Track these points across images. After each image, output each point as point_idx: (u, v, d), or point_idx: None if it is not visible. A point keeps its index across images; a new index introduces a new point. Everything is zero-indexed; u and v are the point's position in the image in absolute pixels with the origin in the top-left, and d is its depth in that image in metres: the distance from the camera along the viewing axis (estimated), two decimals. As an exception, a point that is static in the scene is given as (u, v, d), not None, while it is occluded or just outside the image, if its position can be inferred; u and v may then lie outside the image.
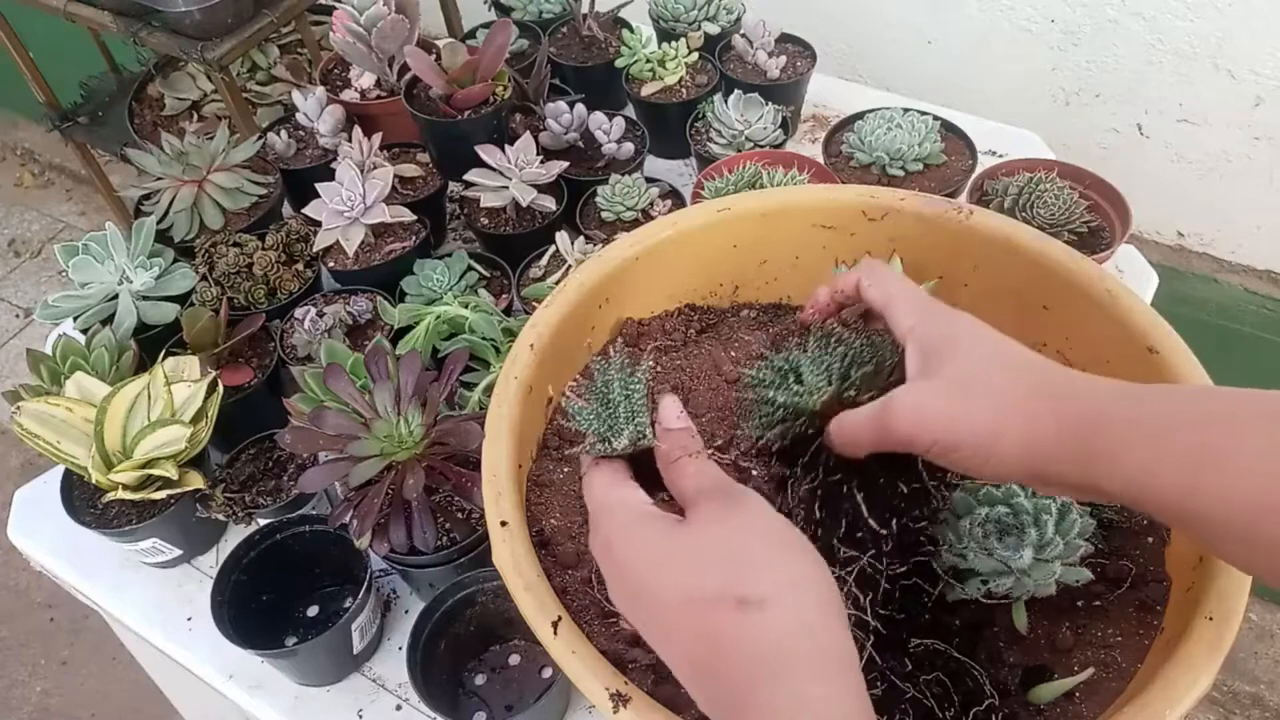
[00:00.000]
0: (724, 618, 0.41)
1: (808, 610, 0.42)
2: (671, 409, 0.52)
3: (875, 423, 0.49)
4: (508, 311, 0.97)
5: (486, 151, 1.05)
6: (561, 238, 1.01)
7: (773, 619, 0.41)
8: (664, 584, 0.44)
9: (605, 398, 0.54)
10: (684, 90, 1.20)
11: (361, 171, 1.03)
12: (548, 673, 0.80)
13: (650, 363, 0.58)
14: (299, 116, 1.17)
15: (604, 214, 1.05)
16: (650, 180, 1.08)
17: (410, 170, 1.13)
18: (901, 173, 1.05)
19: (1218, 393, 0.45)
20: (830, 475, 0.56)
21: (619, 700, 0.48)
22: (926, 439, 0.47)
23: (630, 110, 1.22)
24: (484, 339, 0.90)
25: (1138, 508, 0.44)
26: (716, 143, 1.12)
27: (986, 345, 0.50)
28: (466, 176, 1.06)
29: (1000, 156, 1.15)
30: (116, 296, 0.98)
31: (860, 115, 1.10)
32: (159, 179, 1.09)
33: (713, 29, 1.25)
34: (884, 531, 0.55)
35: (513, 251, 1.03)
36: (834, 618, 0.42)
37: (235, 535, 0.92)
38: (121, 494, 0.82)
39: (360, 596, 0.78)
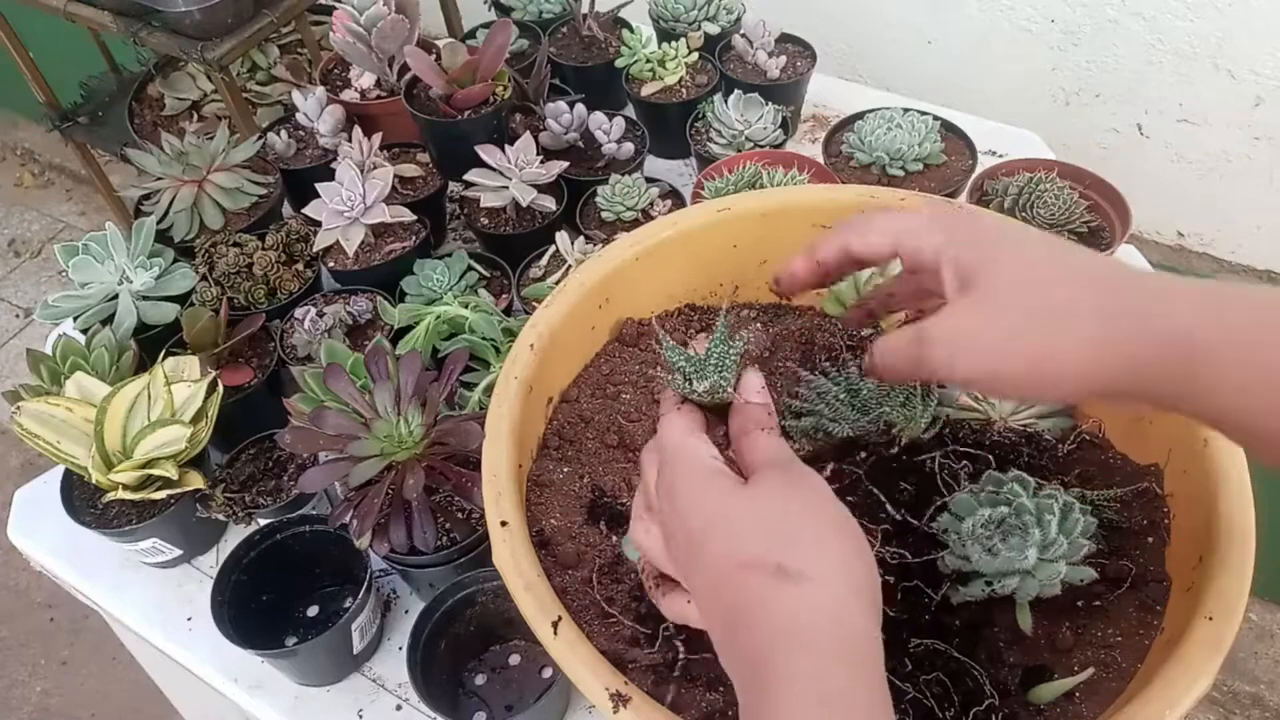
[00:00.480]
0: (761, 581, 0.41)
1: (844, 595, 0.41)
2: (754, 383, 0.50)
3: (910, 352, 0.45)
4: (508, 311, 0.97)
5: (486, 151, 1.05)
6: (561, 238, 1.01)
7: (807, 593, 0.40)
8: (714, 540, 0.43)
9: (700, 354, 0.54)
10: (684, 90, 1.20)
11: (361, 171, 1.03)
12: (548, 673, 0.80)
13: (749, 334, 0.59)
14: (299, 116, 1.17)
15: (604, 214, 1.05)
16: (650, 180, 1.08)
17: (410, 170, 1.13)
18: (901, 173, 1.05)
19: None
20: (855, 477, 0.58)
21: (619, 700, 0.48)
22: (965, 369, 0.43)
23: (630, 110, 1.22)
24: (484, 339, 0.90)
25: (1224, 432, 0.41)
26: (716, 143, 1.12)
27: (1036, 249, 0.44)
28: (466, 176, 1.06)
29: (1000, 156, 1.15)
30: (116, 296, 0.98)
31: (860, 115, 1.10)
32: (159, 179, 1.09)
33: (713, 29, 1.25)
34: (911, 523, 0.57)
35: (513, 251, 1.03)
36: (869, 609, 0.41)
37: (235, 535, 0.92)
38: (121, 494, 0.82)
39: (360, 596, 0.78)
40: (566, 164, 1.07)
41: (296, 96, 1.16)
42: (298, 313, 0.96)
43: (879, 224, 0.49)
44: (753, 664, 0.40)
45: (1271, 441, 0.40)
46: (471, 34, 1.33)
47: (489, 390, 0.83)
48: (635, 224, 1.04)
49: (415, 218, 1.06)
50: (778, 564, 0.40)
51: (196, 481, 0.85)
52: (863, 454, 0.64)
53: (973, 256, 0.44)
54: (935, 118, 1.09)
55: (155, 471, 0.82)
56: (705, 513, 0.44)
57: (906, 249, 0.48)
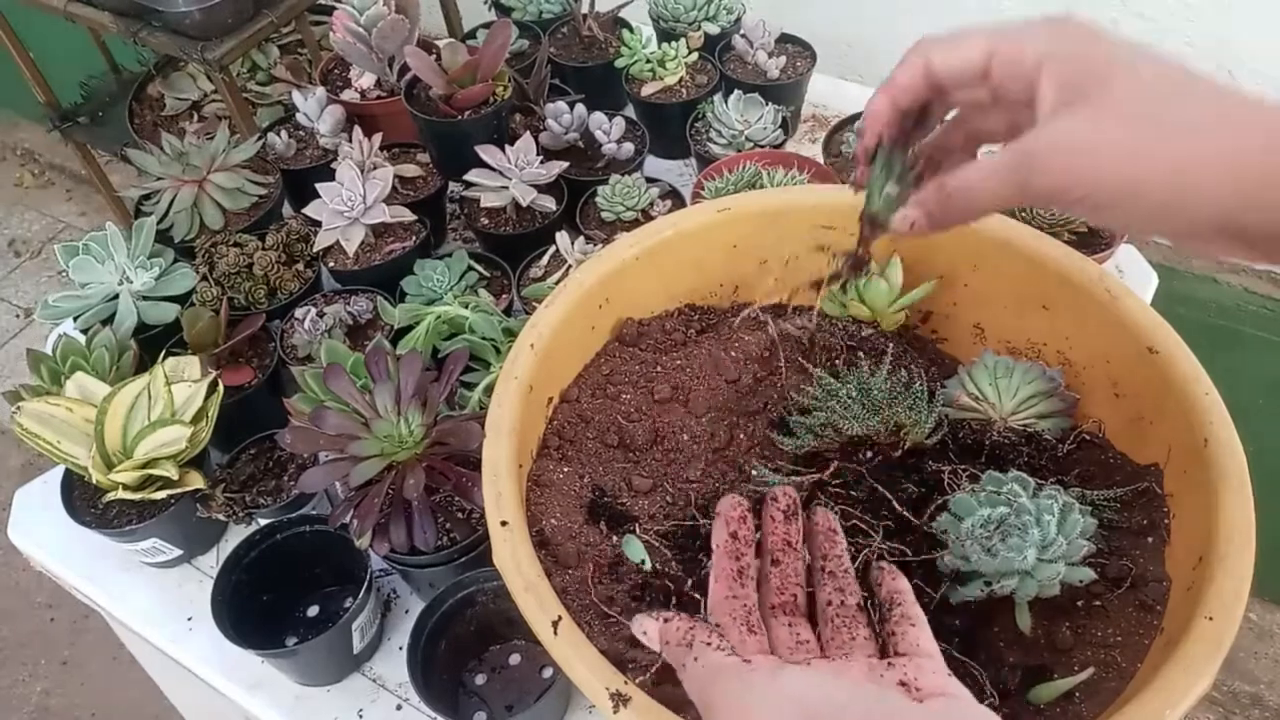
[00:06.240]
0: None
1: None
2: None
3: (1011, 175, 0.41)
4: (508, 311, 0.97)
5: (486, 151, 1.05)
6: (561, 238, 1.01)
7: None
8: None
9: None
10: (684, 90, 1.20)
11: (361, 171, 1.03)
12: (548, 673, 0.80)
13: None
14: (299, 116, 1.17)
15: (604, 214, 1.05)
16: (650, 180, 1.08)
17: (410, 170, 1.13)
18: (901, 173, 1.05)
19: None
20: (858, 475, 0.59)
21: (619, 700, 0.48)
22: (1088, 183, 0.38)
23: (630, 110, 1.22)
24: (484, 339, 0.90)
25: None
26: (716, 143, 1.12)
27: (1157, 66, 0.39)
28: (466, 176, 1.06)
29: (1000, 156, 1.15)
30: (117, 296, 0.98)
31: (860, 115, 1.10)
32: (159, 179, 1.09)
33: (713, 29, 1.25)
34: (912, 521, 0.57)
35: (513, 251, 1.03)
36: None
37: (235, 535, 0.92)
38: (122, 494, 0.82)
39: (360, 596, 0.78)
40: (566, 164, 1.07)
41: (296, 96, 1.16)
42: (298, 313, 0.96)
43: (972, 30, 0.43)
44: None
45: None
46: (471, 34, 1.33)
47: (489, 390, 0.83)
48: (635, 224, 1.04)
49: (415, 218, 1.06)
50: None
51: (197, 481, 0.85)
52: (869, 453, 0.64)
53: (1083, 67, 0.40)
54: (935, 118, 1.09)
55: (155, 471, 0.82)
56: None
57: (1002, 55, 0.42)
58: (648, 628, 0.45)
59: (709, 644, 0.42)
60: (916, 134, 0.50)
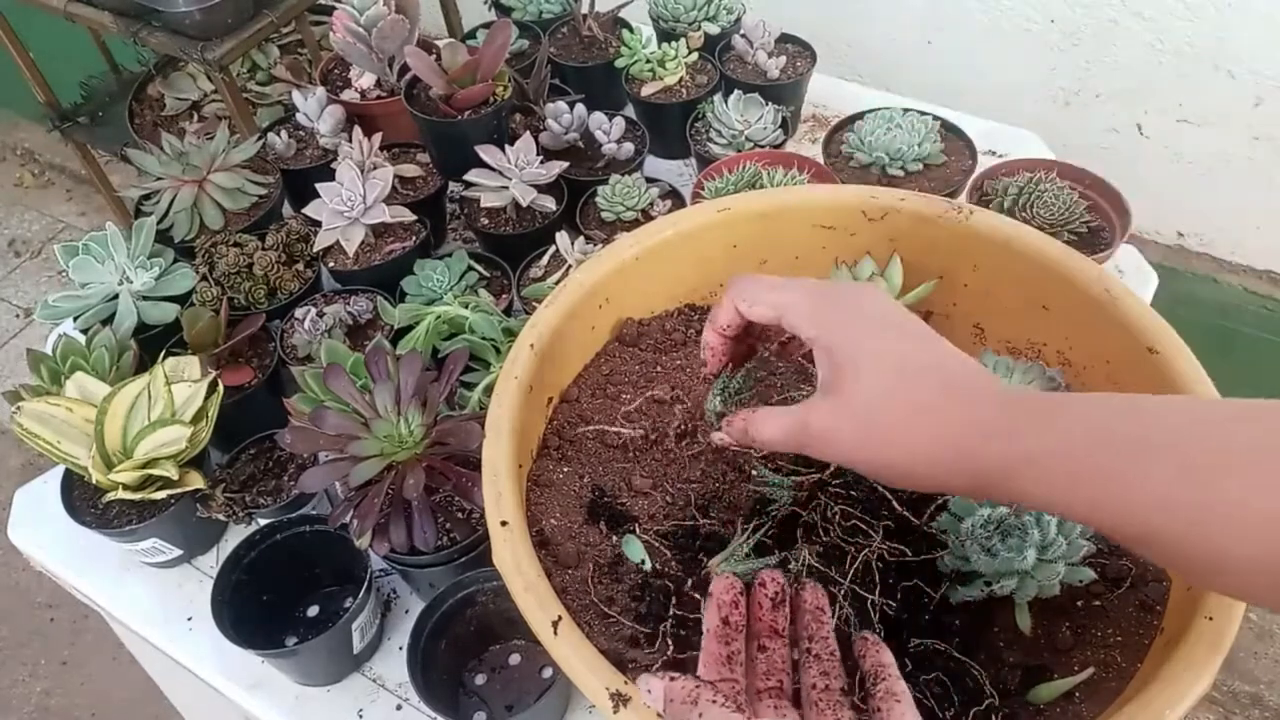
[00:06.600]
0: None
1: None
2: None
3: (793, 437, 0.50)
4: (508, 311, 0.97)
5: (486, 151, 1.05)
6: (561, 238, 1.01)
7: None
8: None
9: None
10: (684, 90, 1.20)
11: (361, 171, 1.03)
12: (548, 673, 0.80)
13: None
14: (299, 116, 1.17)
15: (604, 214, 1.05)
16: (650, 180, 1.08)
17: (410, 170, 1.13)
18: (901, 173, 1.05)
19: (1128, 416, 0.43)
20: (858, 475, 0.59)
21: (619, 700, 0.48)
22: (841, 459, 0.48)
23: (630, 110, 1.22)
24: (484, 339, 0.90)
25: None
26: (716, 143, 1.12)
27: (888, 362, 0.48)
28: (466, 176, 1.06)
29: (1000, 156, 1.15)
30: (117, 296, 0.98)
31: (860, 115, 1.10)
32: (159, 179, 1.09)
33: (713, 29, 1.25)
34: (912, 521, 0.57)
35: (513, 251, 1.03)
36: None
37: (235, 535, 0.92)
38: (121, 494, 0.82)
39: (360, 596, 0.78)
40: (566, 164, 1.07)
41: (296, 96, 1.16)
42: (298, 313, 0.96)
43: (767, 297, 0.53)
44: None
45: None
46: (471, 34, 1.33)
47: (489, 390, 0.83)
48: (635, 224, 1.04)
49: (415, 218, 1.06)
50: None
51: (196, 481, 0.85)
52: None
53: (833, 361, 0.49)
54: (935, 118, 1.09)
55: (155, 471, 0.82)
56: None
57: (789, 326, 0.52)
58: (653, 686, 0.47)
59: (714, 701, 0.45)
60: (749, 353, 0.61)
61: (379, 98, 1.21)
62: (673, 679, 0.46)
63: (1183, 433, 0.40)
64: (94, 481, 0.82)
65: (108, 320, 0.97)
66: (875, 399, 0.47)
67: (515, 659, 0.82)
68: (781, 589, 0.53)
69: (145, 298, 0.98)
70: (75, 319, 0.98)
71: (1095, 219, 0.97)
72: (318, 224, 1.03)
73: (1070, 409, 0.43)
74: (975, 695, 0.55)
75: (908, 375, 0.47)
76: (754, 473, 0.67)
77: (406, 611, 0.86)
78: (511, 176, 1.04)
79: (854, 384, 0.48)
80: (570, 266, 0.99)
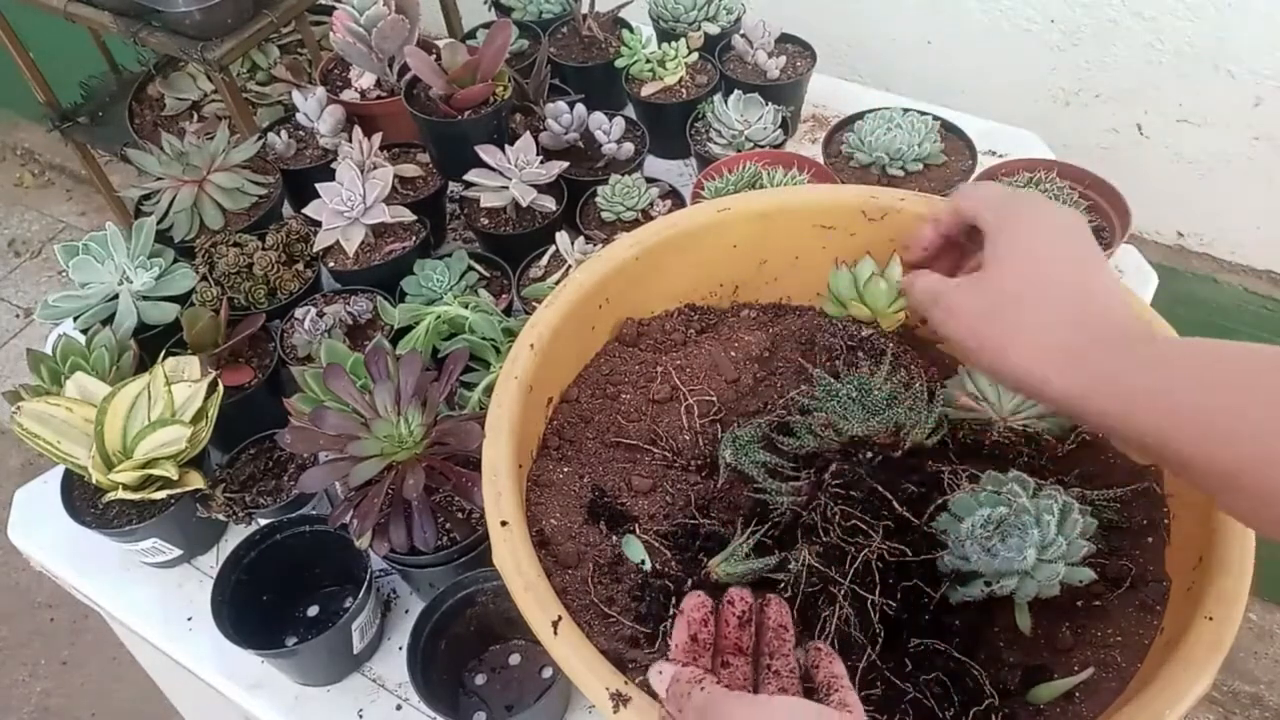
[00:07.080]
0: None
1: None
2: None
3: (930, 297, 0.55)
4: (508, 311, 0.97)
5: (486, 151, 1.05)
6: (561, 238, 1.01)
7: None
8: None
9: None
10: (684, 90, 1.20)
11: (361, 171, 1.03)
12: (548, 673, 0.80)
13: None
14: (299, 116, 1.17)
15: (604, 214, 1.05)
16: (650, 180, 1.08)
17: (410, 170, 1.13)
18: (901, 173, 1.05)
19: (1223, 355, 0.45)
20: (858, 475, 0.61)
21: (619, 700, 0.48)
22: (946, 332, 0.53)
23: (630, 110, 1.22)
24: (484, 339, 0.90)
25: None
26: (716, 143, 1.12)
27: (1039, 271, 0.51)
28: (466, 176, 1.06)
29: (1000, 156, 1.15)
30: (117, 296, 0.98)
31: (860, 115, 1.10)
32: (159, 179, 1.09)
33: (713, 29, 1.24)
34: (912, 521, 0.58)
35: (513, 251, 1.03)
36: None
37: (235, 535, 0.92)
38: (121, 494, 0.82)
39: (360, 596, 0.78)
40: (566, 164, 1.07)
41: (296, 96, 1.16)
42: (298, 313, 0.96)
43: (976, 193, 0.60)
44: None
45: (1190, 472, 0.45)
46: (471, 34, 1.33)
47: (489, 390, 0.83)
48: (635, 224, 1.04)
49: (415, 218, 1.06)
50: None
51: (196, 481, 0.85)
52: (869, 453, 0.64)
53: (1001, 249, 0.53)
54: (935, 118, 1.09)
55: (155, 471, 0.82)
56: None
57: (979, 220, 0.57)
58: (664, 668, 0.49)
59: (717, 681, 0.48)
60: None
61: (379, 98, 1.21)
62: (684, 664, 0.49)
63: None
64: (94, 481, 0.82)
65: (108, 320, 0.97)
66: (1008, 297, 0.51)
67: (515, 659, 0.82)
68: (749, 609, 0.54)
69: (145, 298, 0.98)
70: (75, 319, 0.98)
71: (1095, 219, 0.97)
72: (318, 224, 1.03)
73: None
74: (975, 695, 0.55)
75: (1046, 288, 0.51)
76: (755, 479, 0.67)
77: (406, 611, 0.86)
78: (511, 176, 1.04)
79: (998, 275, 0.52)
80: (570, 266, 0.99)
